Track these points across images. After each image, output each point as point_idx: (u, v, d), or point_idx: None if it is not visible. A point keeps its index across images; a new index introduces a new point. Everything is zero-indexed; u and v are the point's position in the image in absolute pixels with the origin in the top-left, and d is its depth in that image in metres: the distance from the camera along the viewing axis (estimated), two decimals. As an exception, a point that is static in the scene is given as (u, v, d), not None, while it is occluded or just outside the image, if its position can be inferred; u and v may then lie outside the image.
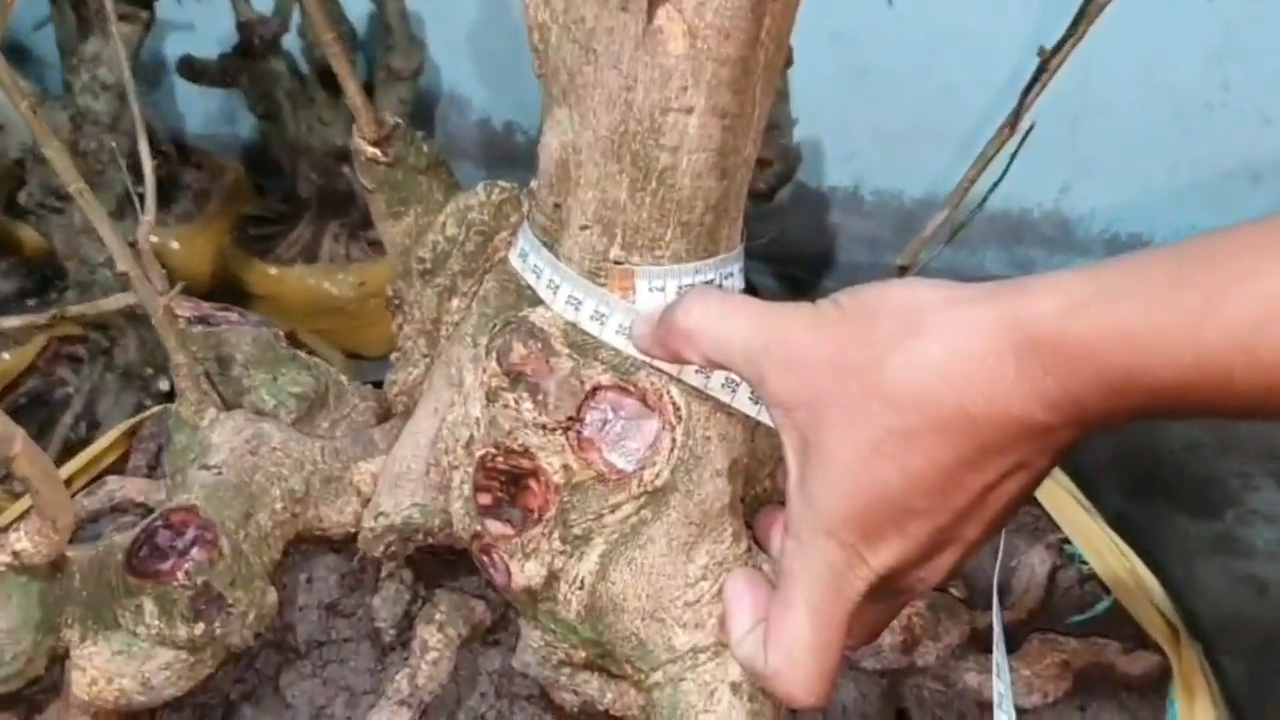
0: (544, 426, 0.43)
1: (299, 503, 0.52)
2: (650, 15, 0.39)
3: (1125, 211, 1.23)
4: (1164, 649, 0.57)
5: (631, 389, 0.43)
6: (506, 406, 0.44)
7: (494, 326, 0.46)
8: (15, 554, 0.42)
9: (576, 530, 0.43)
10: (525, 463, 0.43)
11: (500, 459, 0.44)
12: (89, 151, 0.86)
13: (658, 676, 0.44)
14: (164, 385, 0.98)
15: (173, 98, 1.43)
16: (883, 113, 1.25)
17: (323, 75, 1.15)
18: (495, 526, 0.44)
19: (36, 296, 1.16)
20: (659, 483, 0.43)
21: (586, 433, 0.43)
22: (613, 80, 0.41)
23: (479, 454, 0.45)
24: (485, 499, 0.44)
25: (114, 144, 0.88)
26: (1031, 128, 0.56)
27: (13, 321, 0.51)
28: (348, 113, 1.26)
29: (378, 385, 0.63)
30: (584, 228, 0.44)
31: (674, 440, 0.43)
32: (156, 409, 0.70)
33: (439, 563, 0.52)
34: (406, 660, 0.48)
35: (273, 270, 1.23)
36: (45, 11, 0.96)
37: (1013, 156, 0.57)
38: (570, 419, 0.43)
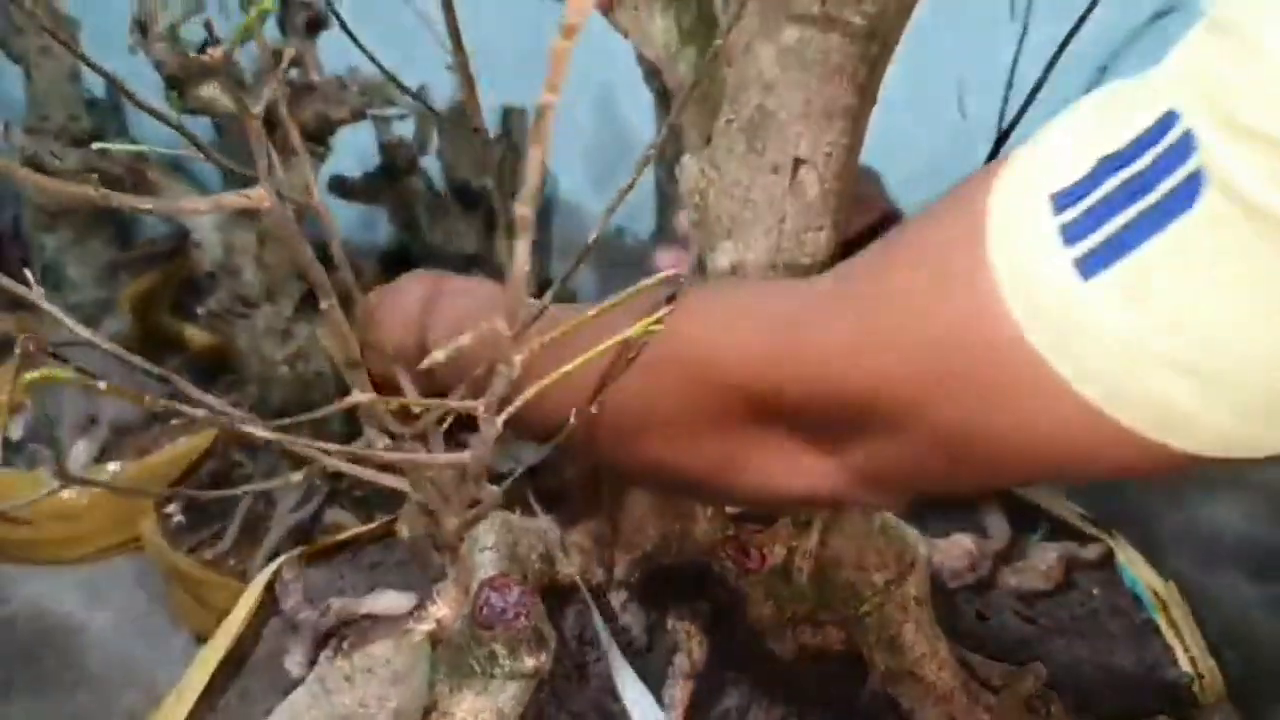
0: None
1: (544, 562, 0.67)
2: (794, 174, 0.61)
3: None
4: (1100, 538, 0.84)
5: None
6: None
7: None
8: (438, 621, 0.56)
9: (802, 517, 0.63)
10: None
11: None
12: (271, 265, 0.99)
13: (866, 607, 0.64)
14: (331, 466, 1.08)
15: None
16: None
17: (457, 192, 1.31)
18: (750, 527, 0.63)
19: (204, 390, 1.22)
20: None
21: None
22: (768, 218, 0.62)
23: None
24: (733, 510, 0.63)
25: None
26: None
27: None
28: (479, 224, 1.44)
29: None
30: (754, 317, 0.64)
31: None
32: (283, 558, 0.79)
33: (657, 585, 0.69)
34: (671, 653, 0.65)
35: (409, 362, 1.36)
36: (210, 136, 1.07)
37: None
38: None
